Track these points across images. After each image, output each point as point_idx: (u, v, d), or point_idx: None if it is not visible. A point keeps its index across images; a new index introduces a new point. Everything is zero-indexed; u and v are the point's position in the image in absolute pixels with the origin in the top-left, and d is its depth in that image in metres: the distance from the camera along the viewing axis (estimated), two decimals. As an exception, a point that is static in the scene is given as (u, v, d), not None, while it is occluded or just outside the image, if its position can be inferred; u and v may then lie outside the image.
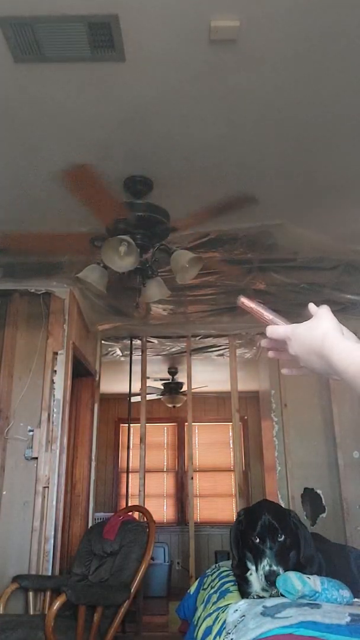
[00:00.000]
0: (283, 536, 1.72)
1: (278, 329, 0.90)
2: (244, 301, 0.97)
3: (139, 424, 4.63)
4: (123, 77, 1.88)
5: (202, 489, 6.73)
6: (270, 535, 1.70)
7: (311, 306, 0.92)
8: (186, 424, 4.80)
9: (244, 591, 1.77)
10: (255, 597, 1.71)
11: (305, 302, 3.46)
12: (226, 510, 6.53)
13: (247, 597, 1.75)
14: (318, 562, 1.76)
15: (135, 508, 3.52)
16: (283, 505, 3.69)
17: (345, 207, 2.80)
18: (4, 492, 3.15)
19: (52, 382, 3.36)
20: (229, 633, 1.43)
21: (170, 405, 6.33)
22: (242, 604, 1.59)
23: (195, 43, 1.72)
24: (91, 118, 2.09)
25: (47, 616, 2.34)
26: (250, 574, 1.74)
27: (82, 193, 2.45)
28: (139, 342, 4.74)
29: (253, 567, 1.74)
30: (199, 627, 1.87)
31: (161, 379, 6.11)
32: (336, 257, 3.31)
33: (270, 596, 1.66)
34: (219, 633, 1.58)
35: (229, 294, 3.79)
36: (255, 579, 1.72)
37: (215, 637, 1.62)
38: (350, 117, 2.09)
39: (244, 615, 1.45)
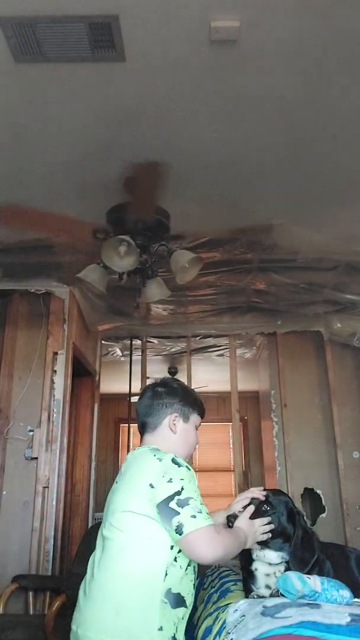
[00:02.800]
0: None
1: None
2: None
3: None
4: (123, 77, 1.88)
5: (202, 489, 6.71)
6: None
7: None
8: (186, 424, 4.79)
9: (248, 588, 1.77)
10: (256, 597, 1.71)
11: (306, 302, 3.48)
12: (226, 510, 6.53)
13: (250, 594, 1.75)
14: (319, 566, 1.75)
15: (135, 508, 3.51)
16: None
17: (345, 207, 2.80)
18: (4, 492, 3.15)
19: (52, 382, 3.36)
20: (229, 633, 1.43)
21: (170, 405, 6.32)
22: (242, 603, 1.59)
23: (196, 43, 1.72)
24: (91, 118, 2.09)
25: (47, 616, 2.35)
26: (256, 569, 1.74)
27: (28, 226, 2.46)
28: (139, 342, 4.74)
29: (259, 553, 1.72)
30: (199, 627, 1.87)
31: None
32: (336, 258, 3.31)
33: (271, 596, 1.66)
34: (219, 633, 1.58)
35: (229, 294, 3.79)
36: (261, 575, 1.72)
37: (215, 637, 1.62)
38: (350, 117, 2.09)
39: (244, 615, 1.45)
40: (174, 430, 1.61)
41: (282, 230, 2.95)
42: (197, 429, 1.69)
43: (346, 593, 1.56)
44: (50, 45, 1.72)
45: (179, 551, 1.38)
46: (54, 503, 3.14)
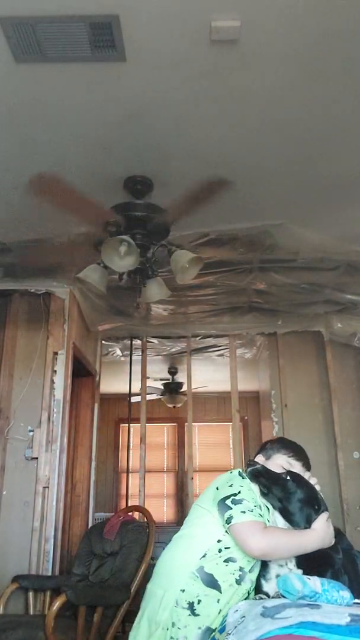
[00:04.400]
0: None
1: None
2: None
3: (139, 424, 4.63)
4: (124, 77, 1.88)
5: (202, 489, 6.73)
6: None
7: None
8: (186, 424, 4.80)
9: (259, 581, 1.77)
10: (258, 598, 1.71)
11: (306, 302, 3.47)
12: (226, 510, 6.53)
13: (259, 592, 1.75)
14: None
15: (135, 508, 3.51)
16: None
17: (346, 207, 2.80)
18: (4, 492, 3.15)
19: (52, 382, 3.36)
20: (229, 634, 1.43)
21: (170, 405, 6.33)
22: (243, 604, 1.59)
23: (196, 43, 1.72)
24: (91, 118, 2.09)
25: (47, 616, 2.34)
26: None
27: (54, 201, 2.43)
28: (139, 342, 4.74)
29: None
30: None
31: (161, 379, 6.11)
32: (337, 258, 3.31)
33: (272, 597, 1.66)
34: (219, 631, 1.59)
35: (229, 294, 3.79)
36: (275, 565, 1.73)
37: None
38: (350, 117, 2.09)
39: (244, 616, 1.45)
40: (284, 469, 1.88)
41: (282, 230, 2.96)
42: None
43: (346, 594, 1.56)
44: (50, 45, 1.72)
45: (227, 547, 1.62)
46: (54, 503, 3.14)
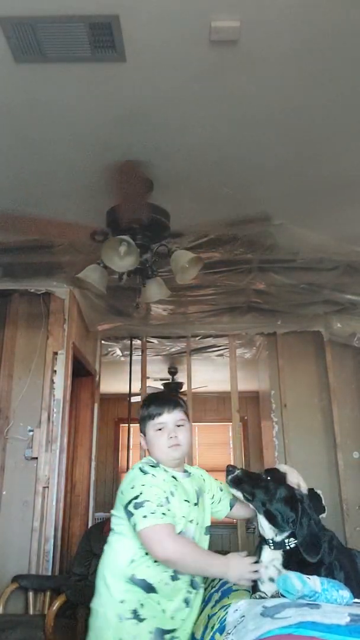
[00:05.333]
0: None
1: None
2: None
3: (138, 424, 4.62)
4: (124, 77, 1.88)
5: (202, 489, 6.73)
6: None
7: None
8: (186, 424, 4.79)
9: (255, 585, 1.77)
10: (258, 597, 1.71)
11: (306, 303, 3.48)
12: (226, 510, 6.54)
13: (254, 594, 1.75)
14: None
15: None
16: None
17: (346, 208, 2.80)
18: (4, 492, 3.15)
19: (52, 382, 3.36)
20: (229, 633, 1.43)
21: (170, 406, 6.31)
22: (242, 603, 1.59)
23: (196, 43, 1.72)
24: (91, 118, 2.09)
25: (46, 616, 2.35)
26: (261, 561, 1.74)
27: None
28: (139, 342, 4.74)
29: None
30: (206, 626, 1.87)
31: (161, 379, 6.11)
32: (336, 258, 3.31)
33: (271, 596, 1.66)
34: (219, 630, 1.59)
35: (229, 294, 3.79)
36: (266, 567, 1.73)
37: (214, 633, 1.62)
38: (350, 117, 2.10)
39: (243, 616, 1.45)
40: (144, 448, 1.77)
41: (282, 230, 2.96)
42: (162, 429, 1.70)
43: (346, 593, 1.56)
44: (50, 45, 1.72)
45: None
46: (54, 503, 3.14)
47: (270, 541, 1.73)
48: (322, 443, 4.10)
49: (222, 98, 1.98)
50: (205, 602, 2.18)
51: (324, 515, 4.11)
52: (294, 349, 4.35)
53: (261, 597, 1.70)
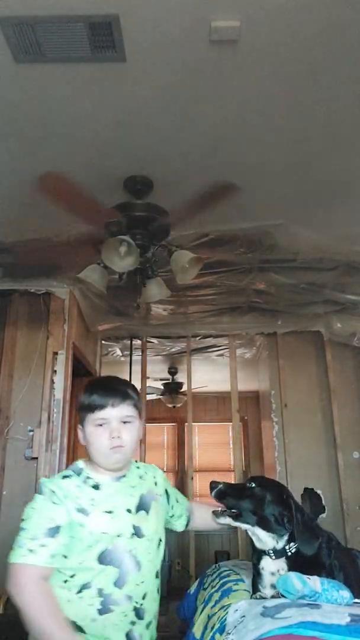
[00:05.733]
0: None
1: None
2: None
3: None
4: (123, 77, 1.88)
5: (202, 489, 6.73)
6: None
7: None
8: (186, 424, 4.80)
9: (256, 587, 1.77)
10: (258, 597, 1.71)
11: (306, 302, 3.48)
12: (226, 510, 6.54)
13: (254, 594, 1.75)
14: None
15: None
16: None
17: (346, 207, 2.80)
18: (4, 492, 3.15)
19: (52, 382, 3.36)
20: (229, 633, 1.43)
21: (170, 405, 6.33)
22: (243, 603, 1.60)
23: (196, 43, 1.72)
24: (91, 118, 2.09)
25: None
26: (262, 568, 1.74)
27: (60, 201, 2.43)
28: (139, 342, 4.74)
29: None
30: (206, 627, 1.87)
31: (161, 379, 6.11)
32: (336, 258, 3.31)
33: (272, 597, 1.66)
34: (219, 630, 1.59)
35: (229, 294, 3.79)
36: (267, 573, 1.72)
37: (214, 633, 1.62)
38: (350, 117, 2.09)
39: (244, 616, 1.45)
40: (83, 443, 1.47)
41: (282, 230, 2.96)
42: (103, 425, 1.41)
43: (346, 593, 1.57)
44: (50, 45, 1.72)
45: (72, 575, 1.31)
46: (54, 503, 3.13)
47: (271, 551, 1.71)
48: (322, 443, 4.10)
49: (221, 98, 1.98)
50: (205, 602, 2.19)
51: (324, 515, 4.13)
52: (294, 349, 4.35)
53: (261, 597, 1.70)
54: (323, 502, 3.93)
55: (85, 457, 1.48)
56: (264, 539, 1.72)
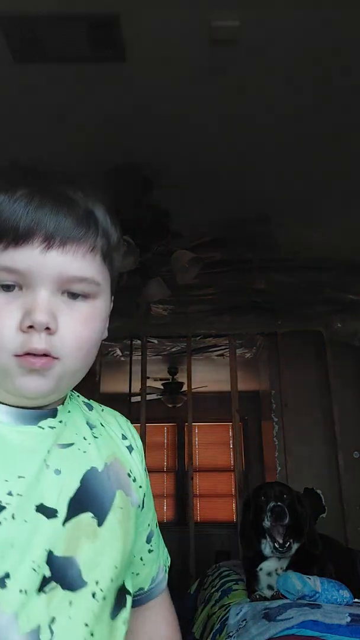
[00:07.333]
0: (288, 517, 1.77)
1: None
2: None
3: (138, 424, 4.62)
4: (123, 77, 1.88)
5: (202, 489, 6.73)
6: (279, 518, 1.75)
7: None
8: (186, 424, 4.80)
9: (252, 588, 1.77)
10: (258, 597, 1.71)
11: (306, 302, 3.47)
12: (226, 510, 6.53)
13: (253, 594, 1.75)
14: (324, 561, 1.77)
15: (135, 508, 3.50)
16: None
17: (346, 207, 2.80)
18: (4, 492, 3.14)
19: (52, 382, 3.35)
20: (231, 636, 1.43)
21: (170, 405, 6.32)
22: (244, 606, 1.59)
23: (196, 43, 1.72)
24: (91, 118, 2.09)
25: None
26: (260, 569, 1.74)
27: None
28: (139, 342, 4.73)
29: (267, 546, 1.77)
30: (199, 626, 1.87)
31: (161, 379, 6.10)
32: (337, 257, 3.31)
33: (272, 597, 1.66)
34: (219, 631, 1.59)
35: (229, 293, 3.79)
36: (264, 574, 1.73)
37: (215, 635, 1.62)
38: (351, 117, 2.09)
39: (245, 619, 1.45)
40: None
41: (282, 230, 2.96)
42: (10, 288, 0.55)
43: (346, 593, 1.57)
44: (50, 45, 1.72)
45: None
46: (54, 503, 3.13)
47: (277, 551, 1.74)
48: (322, 443, 4.10)
49: (221, 98, 1.98)
50: (205, 601, 2.19)
51: (324, 515, 4.12)
52: (295, 349, 4.34)
53: (262, 597, 1.70)
54: (323, 502, 3.93)
55: None
56: (280, 541, 1.76)
